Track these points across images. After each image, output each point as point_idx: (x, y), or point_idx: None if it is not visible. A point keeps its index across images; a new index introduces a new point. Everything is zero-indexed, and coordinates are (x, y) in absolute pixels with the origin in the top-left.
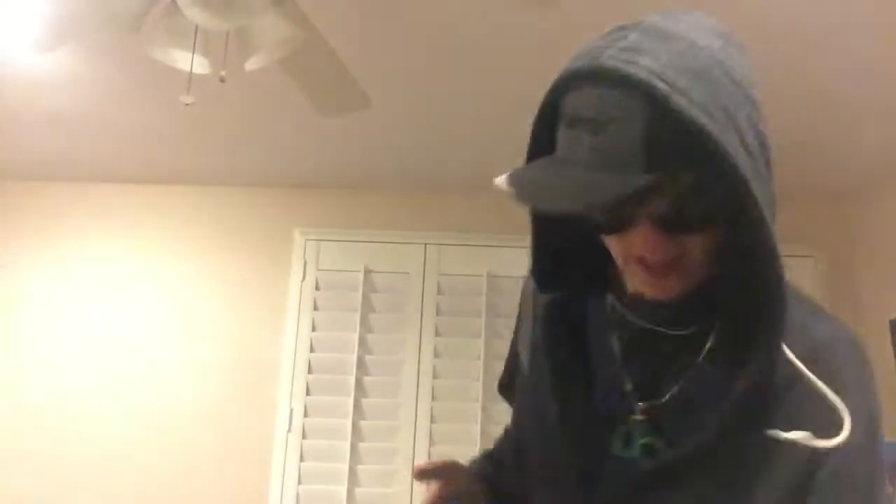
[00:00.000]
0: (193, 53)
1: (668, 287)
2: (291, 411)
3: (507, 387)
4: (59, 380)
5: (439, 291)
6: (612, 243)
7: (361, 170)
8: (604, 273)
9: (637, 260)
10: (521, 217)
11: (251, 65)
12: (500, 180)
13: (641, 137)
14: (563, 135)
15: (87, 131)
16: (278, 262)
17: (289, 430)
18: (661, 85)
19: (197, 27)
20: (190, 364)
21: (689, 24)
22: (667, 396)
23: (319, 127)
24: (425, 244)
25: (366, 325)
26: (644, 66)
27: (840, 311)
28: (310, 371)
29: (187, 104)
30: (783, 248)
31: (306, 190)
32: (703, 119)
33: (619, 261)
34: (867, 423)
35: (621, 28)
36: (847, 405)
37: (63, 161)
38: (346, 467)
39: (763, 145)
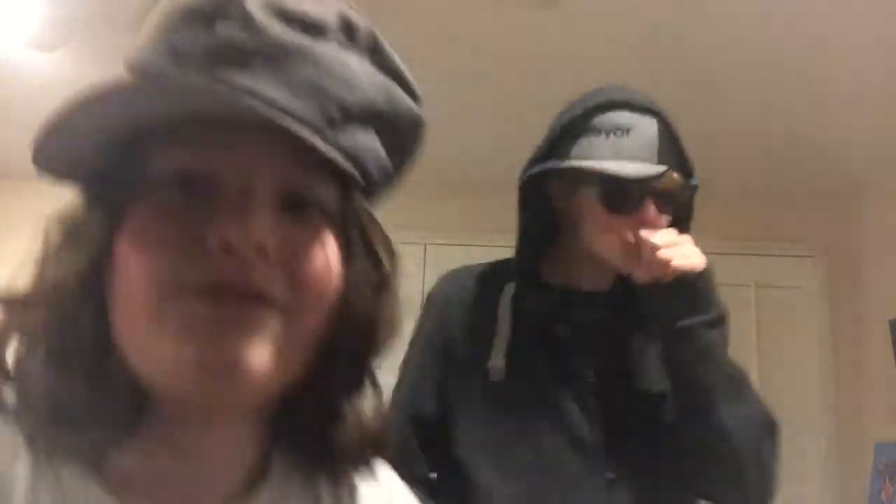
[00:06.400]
0: None
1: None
2: None
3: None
4: None
5: None
6: (616, 225)
7: None
8: (534, 270)
9: (635, 237)
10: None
11: None
12: (597, 165)
13: (659, 142)
14: (587, 141)
15: None
16: None
17: None
18: (667, 117)
19: None
20: None
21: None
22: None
23: None
24: (425, 244)
25: None
26: (658, 106)
27: (840, 311)
28: None
29: None
30: (783, 248)
31: None
32: (684, 144)
33: (610, 244)
34: None
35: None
36: None
37: None
38: None
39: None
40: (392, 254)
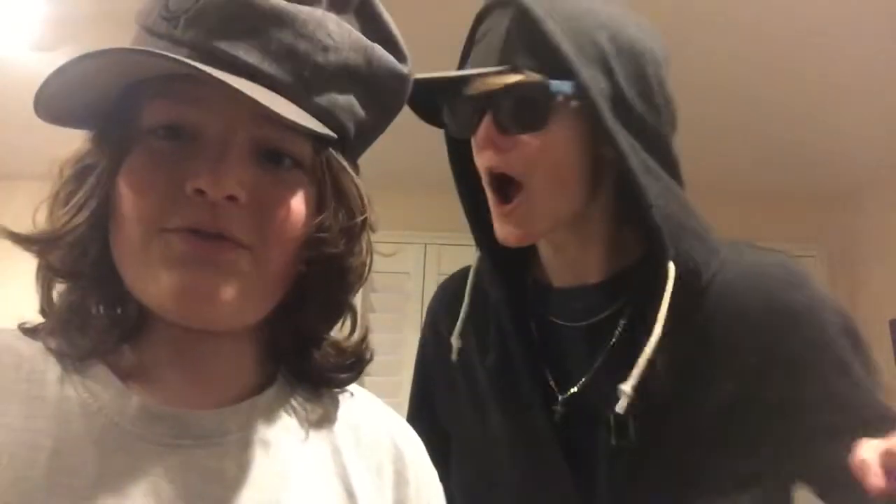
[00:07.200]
0: None
1: (514, 224)
2: None
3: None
4: None
5: None
6: (477, 159)
7: (361, 170)
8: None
9: (486, 171)
10: None
11: None
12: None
13: (504, 40)
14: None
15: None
16: None
17: None
18: (529, 4)
19: None
20: None
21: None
22: (582, 383)
23: None
24: (425, 244)
25: None
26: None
27: None
28: None
29: None
30: (783, 248)
31: None
32: (564, 44)
33: (488, 191)
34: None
35: None
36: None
37: None
38: None
39: (653, 99)
40: (363, 203)
